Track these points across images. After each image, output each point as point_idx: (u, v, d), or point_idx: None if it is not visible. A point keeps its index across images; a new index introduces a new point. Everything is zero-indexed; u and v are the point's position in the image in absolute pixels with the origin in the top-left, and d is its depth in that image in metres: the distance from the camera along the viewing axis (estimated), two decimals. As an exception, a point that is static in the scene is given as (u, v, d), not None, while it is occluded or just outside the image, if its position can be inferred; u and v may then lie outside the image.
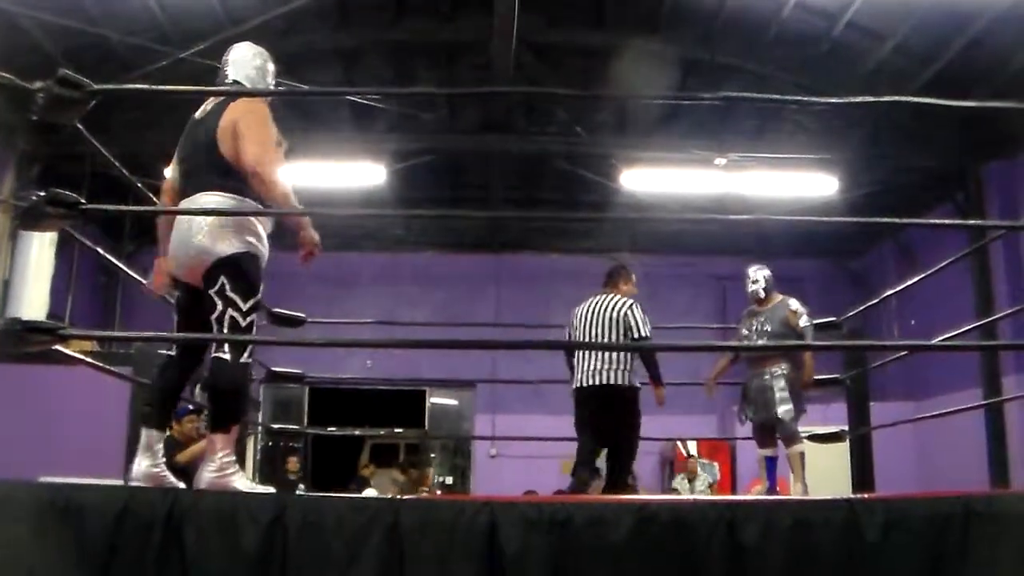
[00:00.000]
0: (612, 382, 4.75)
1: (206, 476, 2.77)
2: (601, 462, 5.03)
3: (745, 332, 5.45)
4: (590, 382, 4.80)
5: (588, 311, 4.95)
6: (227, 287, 2.81)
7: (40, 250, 8.11)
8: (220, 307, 2.81)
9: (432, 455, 12.77)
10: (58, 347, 2.61)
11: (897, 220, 9.26)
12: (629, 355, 4.81)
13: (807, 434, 5.08)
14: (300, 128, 8.98)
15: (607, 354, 4.79)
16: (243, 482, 2.82)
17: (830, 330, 5.01)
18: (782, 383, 5.11)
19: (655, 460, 10.80)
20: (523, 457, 9.65)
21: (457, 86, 9.16)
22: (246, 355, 2.86)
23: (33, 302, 7.91)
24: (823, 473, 5.50)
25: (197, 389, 5.32)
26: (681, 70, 8.67)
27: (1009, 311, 6.38)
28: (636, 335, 4.82)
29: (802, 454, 5.12)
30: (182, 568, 2.12)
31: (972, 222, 8.71)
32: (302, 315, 4.57)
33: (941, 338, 4.07)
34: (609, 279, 5.13)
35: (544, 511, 2.15)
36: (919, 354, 7.60)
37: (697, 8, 8.05)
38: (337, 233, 11.18)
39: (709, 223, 10.28)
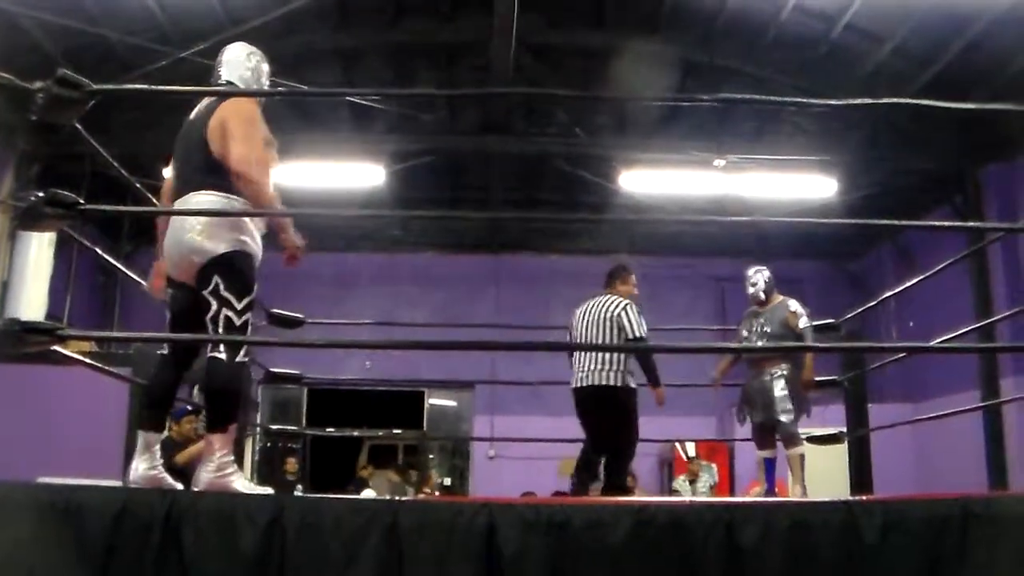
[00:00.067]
0: (605, 383, 4.76)
1: (204, 477, 2.77)
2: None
3: (745, 333, 5.45)
4: (584, 383, 4.83)
5: (585, 312, 4.98)
6: (221, 287, 2.81)
7: (39, 250, 8.11)
8: (215, 307, 2.81)
9: (431, 456, 12.76)
10: (57, 347, 2.61)
11: (896, 222, 9.27)
12: (623, 356, 4.82)
13: (805, 436, 5.08)
14: (300, 129, 8.99)
15: (601, 355, 4.80)
16: (242, 482, 2.82)
17: (828, 332, 5.02)
18: (782, 384, 5.11)
19: (654, 461, 10.80)
20: (522, 458, 9.65)
21: (457, 87, 9.18)
22: (241, 355, 2.87)
23: (32, 302, 7.91)
24: (821, 475, 5.50)
25: (195, 390, 5.32)
26: (680, 72, 8.69)
27: (1007, 313, 6.39)
28: (629, 335, 4.82)
29: (802, 456, 5.12)
30: (180, 569, 2.12)
31: (971, 224, 8.72)
32: (301, 316, 4.57)
33: (939, 340, 4.07)
34: (608, 279, 5.14)
35: (542, 513, 2.15)
36: (917, 356, 7.61)
37: (696, 10, 8.06)
38: (336, 234, 11.22)
39: (708, 224, 10.30)
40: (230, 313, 2.81)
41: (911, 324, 9.94)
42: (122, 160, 3.68)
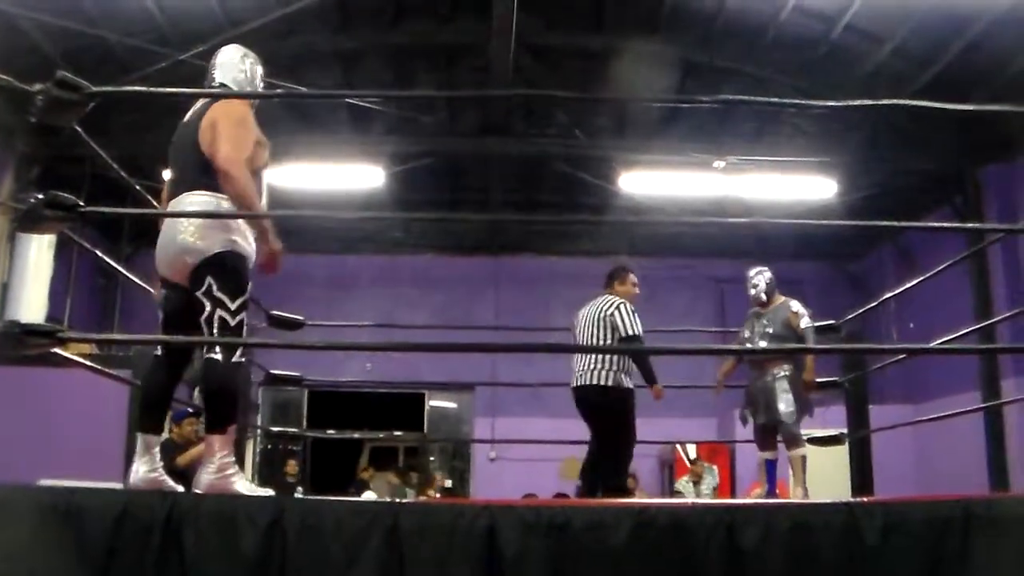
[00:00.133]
0: (597, 383, 4.80)
1: (205, 478, 2.77)
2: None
3: (747, 334, 5.45)
4: (579, 383, 4.89)
5: (584, 313, 5.04)
6: (214, 287, 2.81)
7: (39, 252, 8.11)
8: (208, 308, 2.81)
9: (431, 458, 12.76)
10: (57, 350, 2.61)
11: (896, 224, 9.26)
12: (618, 356, 4.85)
13: (806, 437, 5.08)
14: (299, 130, 8.99)
15: (594, 355, 4.87)
16: (243, 484, 2.82)
17: (829, 333, 5.02)
18: (785, 385, 5.11)
19: (654, 462, 10.80)
20: (523, 460, 9.64)
21: (456, 88, 9.17)
22: (238, 355, 2.87)
23: (32, 305, 7.91)
24: (822, 476, 5.49)
25: (196, 392, 5.32)
26: (680, 73, 8.69)
27: (1008, 314, 6.38)
28: (622, 334, 4.85)
29: (804, 457, 5.11)
30: (181, 571, 2.12)
31: (971, 225, 8.71)
32: (301, 318, 4.57)
33: (940, 341, 4.07)
34: (607, 280, 5.19)
35: (543, 514, 2.15)
36: (918, 357, 7.60)
37: (696, 11, 8.06)
38: (336, 236, 11.23)
39: (708, 226, 10.29)
40: (224, 314, 2.81)
41: (911, 325, 9.94)
42: (122, 162, 3.68)
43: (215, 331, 2.79)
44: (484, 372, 9.61)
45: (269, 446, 11.45)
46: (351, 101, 8.74)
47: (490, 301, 11.16)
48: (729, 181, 9.05)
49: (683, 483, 9.14)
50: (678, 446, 9.77)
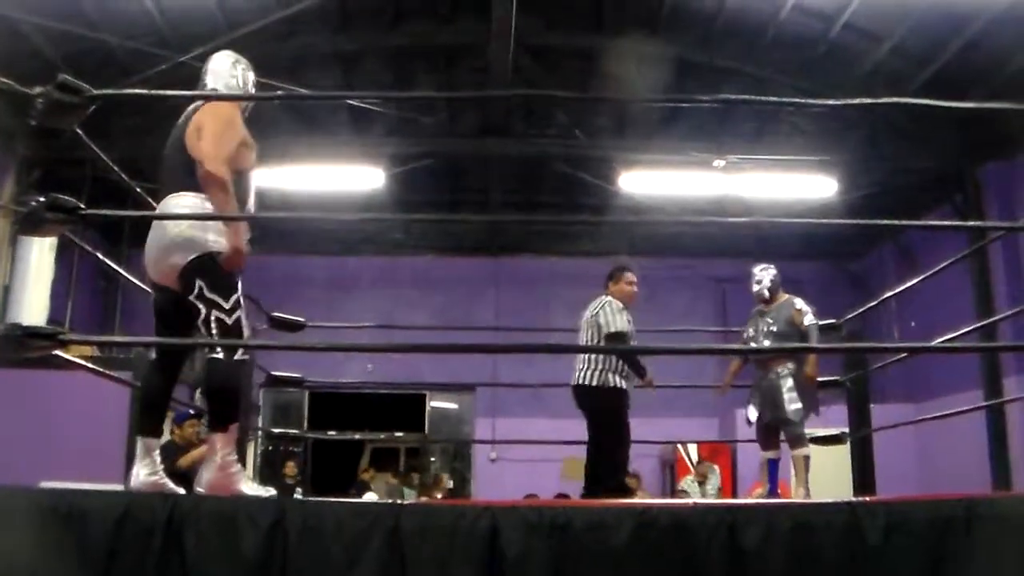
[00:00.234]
0: (587, 382, 4.86)
1: (208, 477, 2.78)
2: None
3: (751, 332, 5.43)
4: (573, 382, 4.97)
5: (582, 315, 5.11)
6: (205, 289, 2.81)
7: (40, 255, 8.11)
8: (203, 311, 2.81)
9: (432, 459, 12.76)
10: (58, 352, 2.61)
11: (896, 222, 9.26)
12: (607, 355, 4.88)
13: (809, 436, 5.07)
14: (299, 132, 8.99)
15: (585, 355, 4.95)
16: (246, 482, 2.83)
17: (830, 332, 5.02)
18: (790, 383, 5.10)
19: (655, 462, 10.79)
20: (524, 461, 9.64)
21: (456, 89, 9.17)
22: (240, 353, 2.88)
23: (33, 307, 7.91)
24: (824, 476, 5.49)
25: (197, 393, 5.33)
26: (679, 72, 8.68)
27: (1009, 312, 6.38)
28: (606, 331, 4.90)
29: (806, 457, 5.10)
30: (182, 572, 2.12)
31: (971, 223, 8.71)
32: (301, 319, 4.57)
33: (941, 340, 4.07)
34: (606, 281, 5.23)
35: (545, 515, 2.15)
36: (919, 356, 7.59)
37: (695, 10, 8.06)
38: (336, 237, 11.23)
39: (708, 225, 10.28)
40: (220, 314, 2.81)
41: (912, 324, 9.93)
42: (122, 164, 3.69)
43: (213, 332, 2.80)
44: (485, 373, 9.61)
45: (270, 447, 11.46)
46: (351, 102, 8.75)
47: (490, 302, 11.15)
48: (729, 180, 9.05)
49: (688, 483, 9.12)
50: (679, 446, 9.76)
